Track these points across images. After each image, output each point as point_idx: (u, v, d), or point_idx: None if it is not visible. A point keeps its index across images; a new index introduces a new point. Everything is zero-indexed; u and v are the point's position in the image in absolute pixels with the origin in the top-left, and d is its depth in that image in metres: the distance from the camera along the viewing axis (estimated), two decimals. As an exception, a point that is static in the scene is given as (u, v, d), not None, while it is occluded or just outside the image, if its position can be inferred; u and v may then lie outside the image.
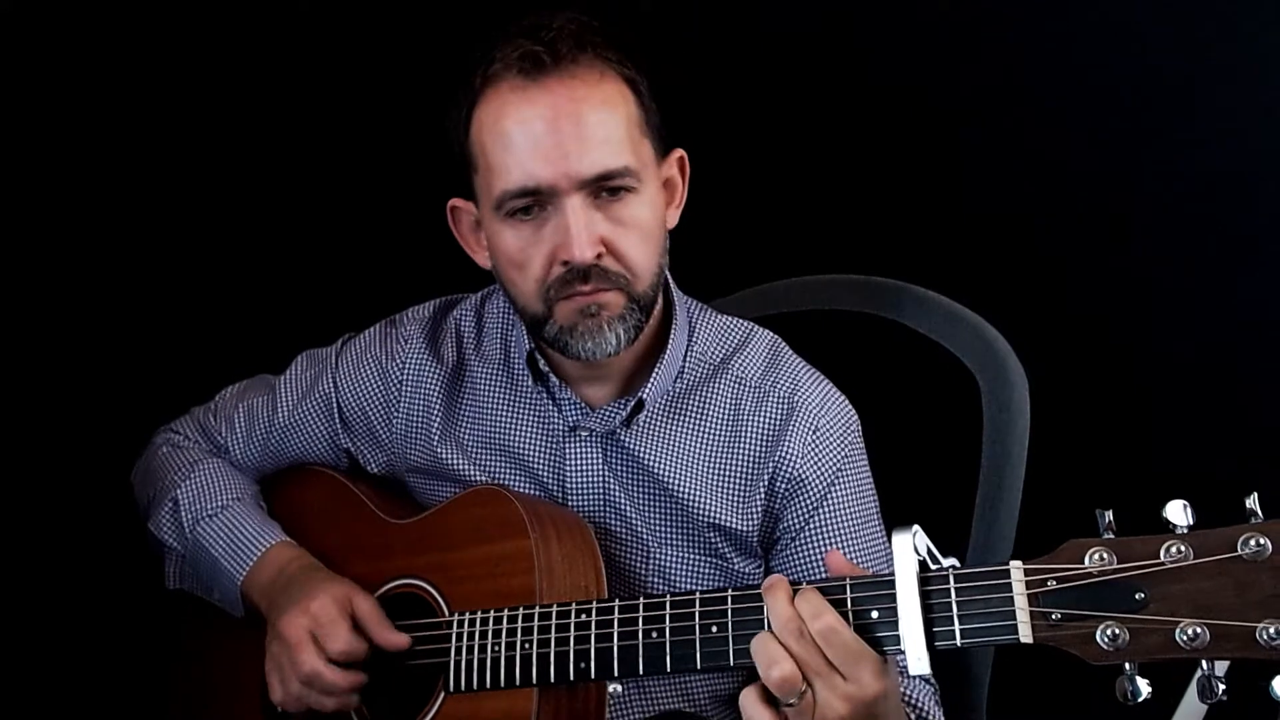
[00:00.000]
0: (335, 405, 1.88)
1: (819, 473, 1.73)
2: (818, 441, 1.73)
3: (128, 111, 2.35)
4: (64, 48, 2.22)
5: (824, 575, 1.70)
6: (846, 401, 1.78)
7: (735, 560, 1.76)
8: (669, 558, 1.76)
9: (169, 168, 2.42)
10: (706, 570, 1.76)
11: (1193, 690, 1.27)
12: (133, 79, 2.34)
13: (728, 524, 1.73)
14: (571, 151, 1.58)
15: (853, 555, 1.72)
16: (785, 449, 1.73)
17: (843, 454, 1.74)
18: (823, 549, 1.72)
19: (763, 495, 1.74)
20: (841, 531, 1.73)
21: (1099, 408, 2.45)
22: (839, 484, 1.73)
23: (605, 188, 1.61)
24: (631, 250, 1.63)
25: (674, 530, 1.76)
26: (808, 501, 1.73)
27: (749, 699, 1.40)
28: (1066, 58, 2.45)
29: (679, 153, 1.75)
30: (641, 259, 1.65)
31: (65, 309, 2.24)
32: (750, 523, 1.74)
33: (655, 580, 1.76)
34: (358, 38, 2.52)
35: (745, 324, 1.84)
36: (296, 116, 2.51)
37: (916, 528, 1.37)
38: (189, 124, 2.43)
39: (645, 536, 1.76)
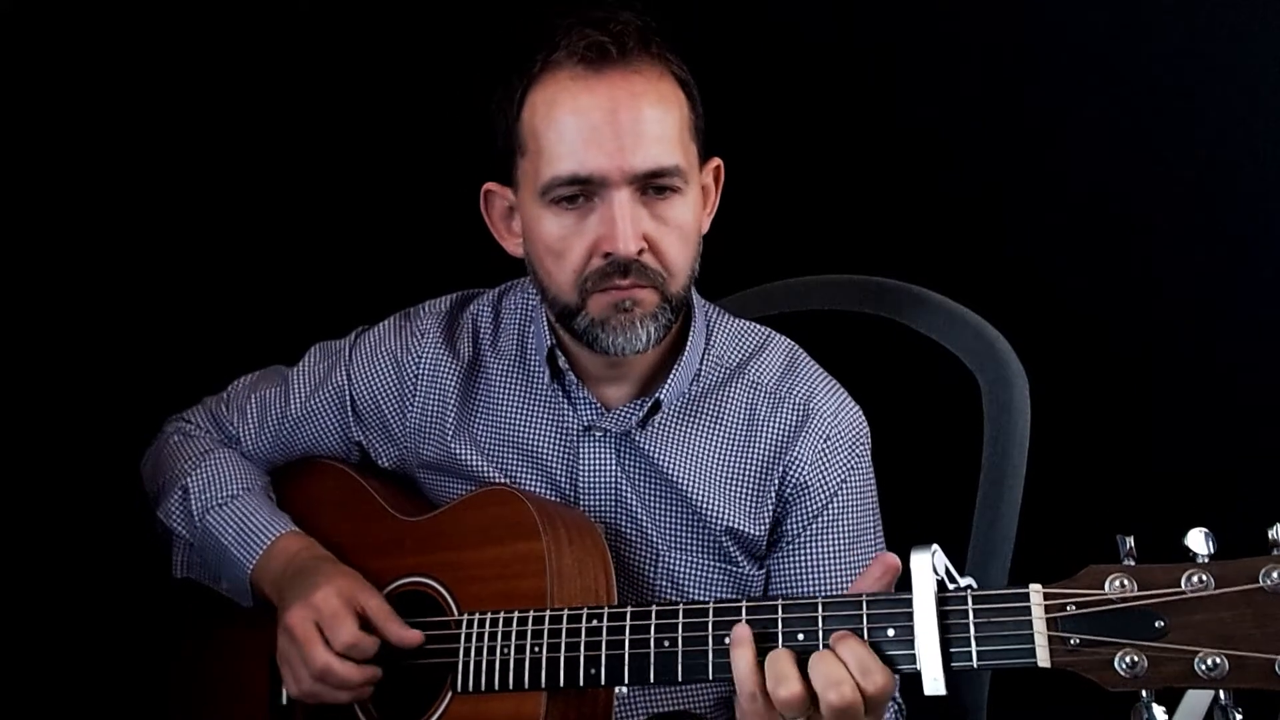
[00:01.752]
0: (348, 398, 1.87)
1: (823, 481, 1.73)
2: (827, 450, 1.74)
3: (139, 106, 2.33)
4: (65, 47, 2.20)
5: (815, 582, 1.73)
6: (860, 412, 1.78)
7: (744, 564, 1.76)
8: (678, 560, 1.76)
9: (182, 160, 2.40)
10: (715, 574, 1.76)
11: (1192, 691, 1.28)
12: (144, 72, 2.32)
13: (740, 528, 1.74)
14: (627, 145, 1.58)
15: (843, 567, 1.73)
16: (795, 454, 1.73)
17: (849, 465, 1.75)
18: (816, 557, 1.74)
19: (773, 500, 1.74)
20: (836, 542, 1.74)
21: (1099, 407, 2.47)
22: (841, 494, 1.74)
23: (653, 185, 1.61)
24: (671, 249, 1.64)
25: (685, 533, 1.76)
26: (809, 508, 1.74)
27: None
28: (1066, 58, 2.45)
29: (716, 161, 1.75)
30: (679, 259, 1.65)
31: (78, 299, 2.22)
32: (762, 528, 1.74)
33: (663, 583, 1.76)
34: (375, 27, 2.50)
35: (763, 329, 1.84)
36: (312, 108, 2.49)
37: (935, 547, 1.36)
38: (203, 116, 2.41)
39: (655, 538, 1.76)
